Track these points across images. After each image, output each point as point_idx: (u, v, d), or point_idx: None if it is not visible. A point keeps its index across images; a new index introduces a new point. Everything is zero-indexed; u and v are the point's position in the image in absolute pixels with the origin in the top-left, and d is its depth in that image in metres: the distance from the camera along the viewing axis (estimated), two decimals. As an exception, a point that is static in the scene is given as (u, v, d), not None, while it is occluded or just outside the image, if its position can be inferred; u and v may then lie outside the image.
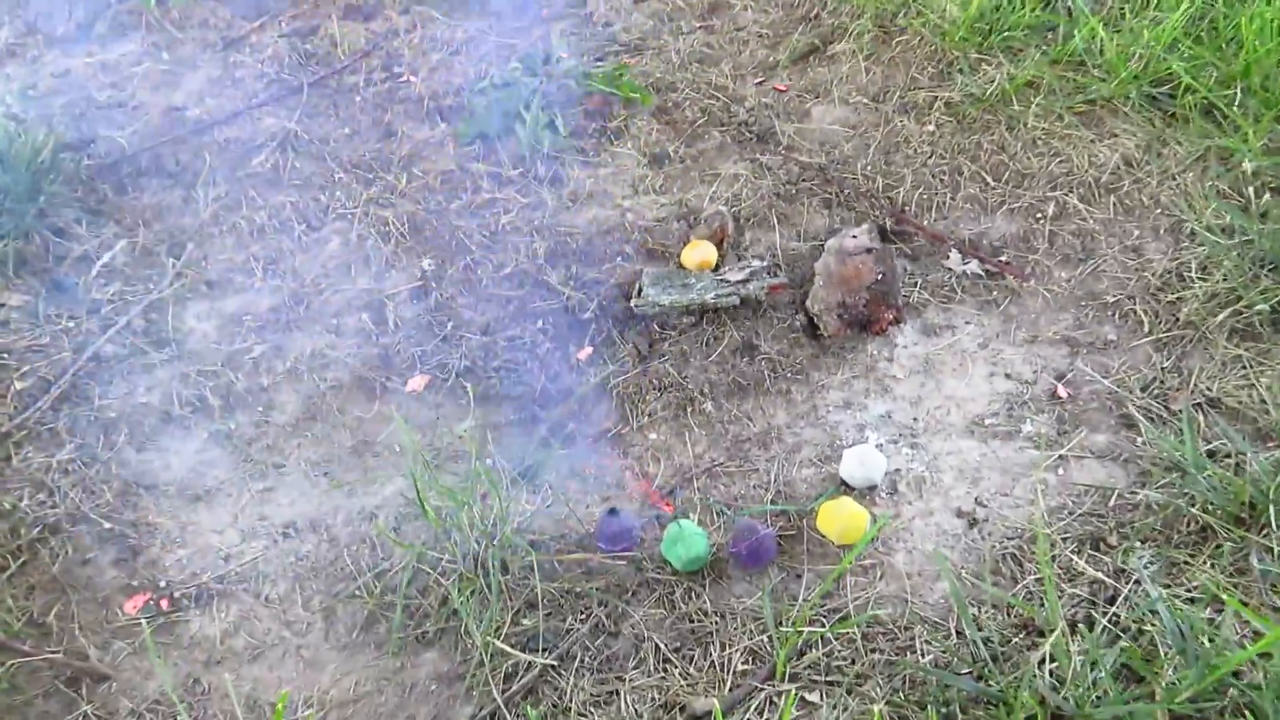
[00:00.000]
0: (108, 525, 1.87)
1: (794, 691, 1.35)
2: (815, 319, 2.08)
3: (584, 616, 1.64)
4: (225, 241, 2.46)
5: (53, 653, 1.66)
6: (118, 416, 2.07)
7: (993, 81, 2.52)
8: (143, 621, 1.70)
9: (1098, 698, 1.39)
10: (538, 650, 1.59)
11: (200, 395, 2.10)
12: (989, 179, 2.36)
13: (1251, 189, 2.12)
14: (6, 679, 1.62)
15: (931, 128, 2.50)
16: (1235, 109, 2.28)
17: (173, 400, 2.09)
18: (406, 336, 2.18)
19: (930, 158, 2.43)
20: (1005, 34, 2.59)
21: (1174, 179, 2.25)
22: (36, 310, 2.26)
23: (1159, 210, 2.21)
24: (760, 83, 2.78)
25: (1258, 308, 1.91)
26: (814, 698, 1.50)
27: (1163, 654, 1.44)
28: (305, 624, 1.71)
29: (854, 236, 2.18)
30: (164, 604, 1.74)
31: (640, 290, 2.15)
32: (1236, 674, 1.38)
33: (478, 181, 2.52)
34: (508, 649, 1.59)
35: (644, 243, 2.33)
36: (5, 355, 2.15)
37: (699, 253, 2.21)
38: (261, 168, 2.64)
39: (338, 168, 2.61)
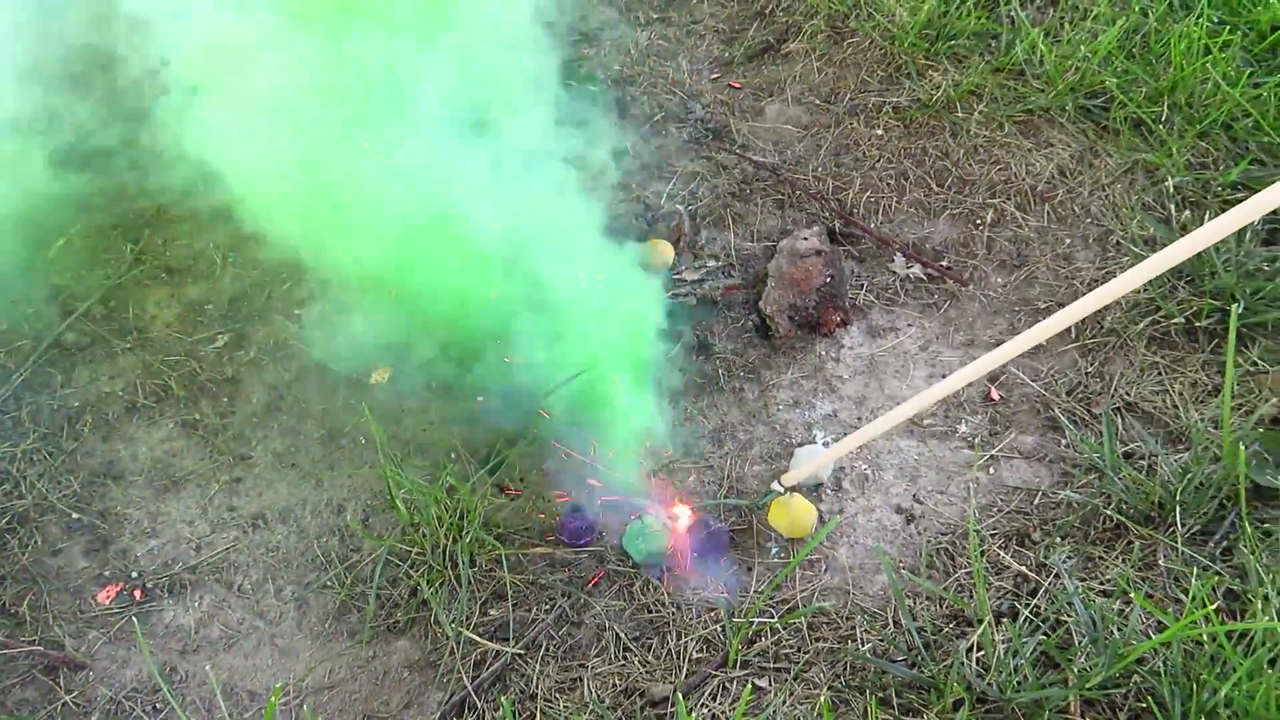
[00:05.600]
0: (76, 515, 1.90)
1: (750, 684, 1.47)
2: (768, 320, 2.18)
3: (549, 607, 1.74)
4: (183, 227, 2.47)
5: (29, 642, 1.70)
6: (81, 405, 2.09)
7: (939, 88, 2.62)
8: (120, 611, 1.76)
9: (1018, 683, 1.53)
10: (505, 639, 1.68)
11: (164, 385, 2.13)
12: (933, 184, 2.47)
13: (1173, 204, 2.27)
14: (-17, 669, 1.66)
15: (880, 131, 2.60)
16: (1161, 125, 2.42)
17: (137, 389, 2.12)
18: (369, 327, 2.22)
19: (878, 161, 2.54)
20: (951, 41, 2.69)
21: (1104, 190, 2.39)
22: (-8, 295, 2.25)
23: (1089, 220, 2.35)
24: (716, 78, 2.85)
25: (1174, 319, 2.06)
26: (763, 683, 1.62)
27: (1077, 643, 1.59)
28: (278, 613, 1.77)
29: (805, 239, 2.28)
30: (137, 594, 1.79)
31: (600, 287, 2.22)
32: (1140, 662, 1.53)
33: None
34: (477, 638, 1.68)
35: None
36: (-37, 342, 2.15)
37: (661, 251, 2.29)
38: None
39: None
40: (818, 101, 2.72)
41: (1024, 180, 2.45)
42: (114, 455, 2.01)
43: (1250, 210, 1.20)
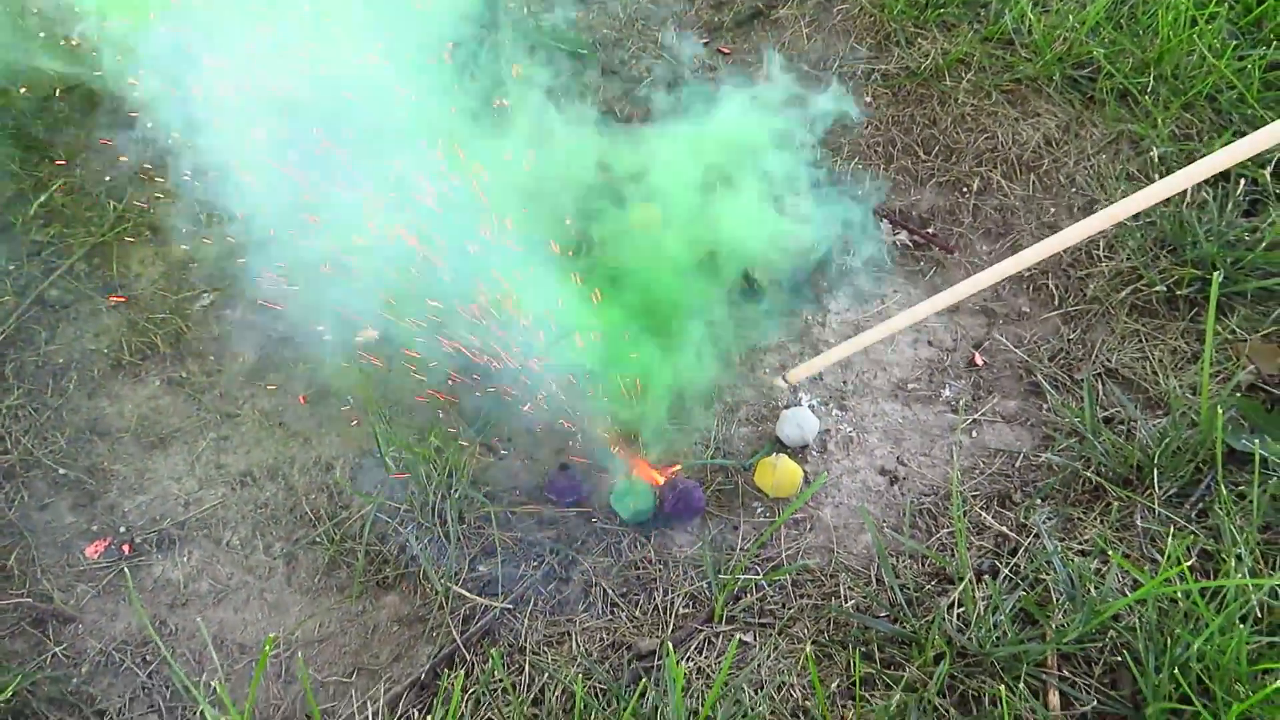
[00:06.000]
0: (63, 471, 1.90)
1: (736, 638, 1.50)
2: (754, 283, 2.19)
3: (537, 564, 1.76)
4: (167, 185, 2.44)
5: (17, 595, 1.70)
6: (66, 362, 2.08)
7: (927, 56, 2.63)
8: (108, 565, 1.76)
9: (998, 638, 1.57)
10: (495, 594, 1.70)
11: (150, 343, 2.12)
12: (920, 152, 2.49)
13: (1157, 174, 2.29)
14: (-29, 621, 1.66)
15: (869, 99, 2.61)
16: (1147, 96, 2.44)
17: (122, 347, 2.11)
18: (359, 287, 2.22)
19: (866, 128, 2.55)
20: (940, 9, 2.70)
21: (1089, 160, 2.42)
22: (-26, 251, 2.23)
23: (1074, 189, 2.37)
24: (705, 43, 2.84)
25: (1156, 287, 2.09)
26: (748, 638, 1.65)
27: (1055, 600, 1.63)
28: (267, 569, 1.78)
29: (793, 205, 2.29)
30: (126, 549, 1.79)
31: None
32: (1117, 619, 1.57)
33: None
34: (466, 593, 1.70)
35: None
36: (-55, 297, 2.13)
37: (646, 214, 2.29)
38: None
39: (286, 107, 2.59)
40: (807, 68, 2.72)
41: (1010, 149, 2.46)
42: (100, 412, 2.01)
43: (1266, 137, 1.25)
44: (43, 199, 2.36)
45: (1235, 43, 2.43)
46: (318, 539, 1.81)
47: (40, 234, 2.30)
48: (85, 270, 2.24)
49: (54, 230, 2.31)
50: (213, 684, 1.58)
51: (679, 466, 1.87)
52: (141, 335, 2.12)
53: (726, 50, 2.80)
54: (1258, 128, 2.30)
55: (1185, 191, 2.24)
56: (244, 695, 1.61)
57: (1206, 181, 2.27)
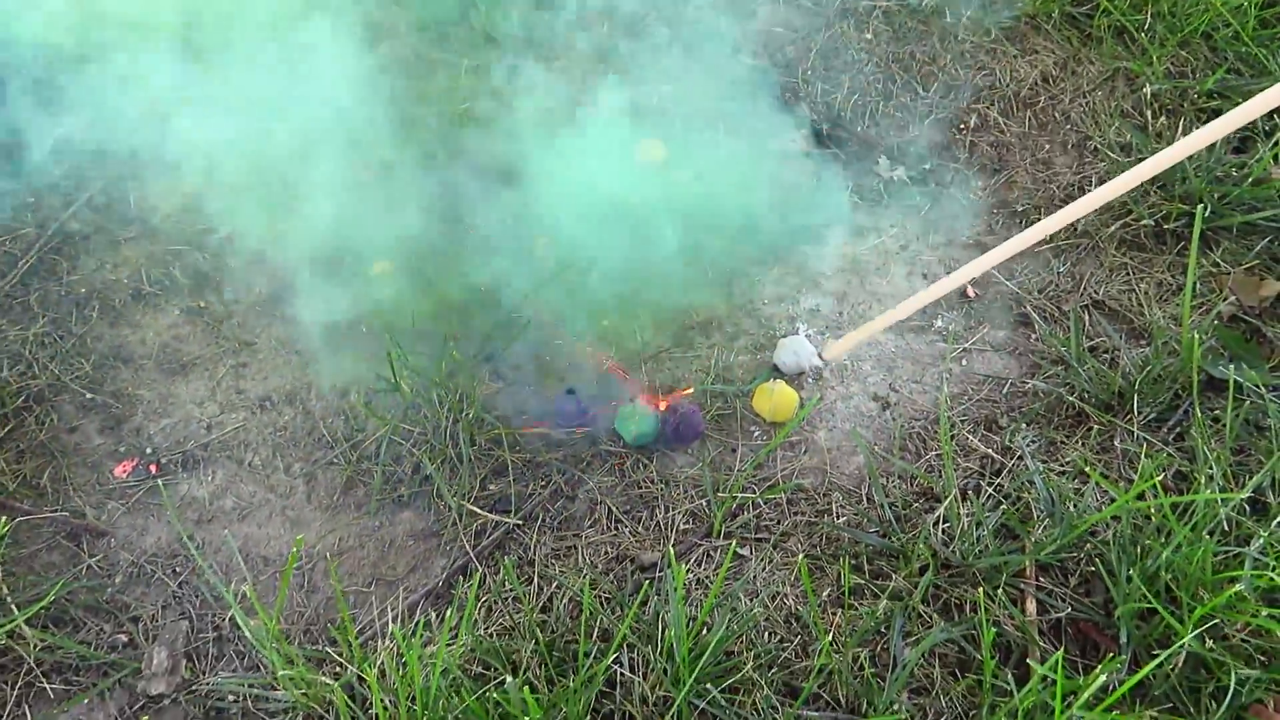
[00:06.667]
0: (89, 395, 1.98)
1: (733, 550, 1.59)
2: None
3: (545, 483, 1.85)
4: (180, 122, 2.48)
5: (52, 511, 1.80)
6: (88, 292, 2.15)
7: (929, -8, 2.66)
8: (137, 484, 1.85)
9: (980, 551, 1.66)
10: (506, 511, 1.80)
11: (169, 274, 2.18)
12: (919, 89, 2.52)
13: (1150, 111, 2.34)
14: (10, 535, 1.76)
15: (869, 35, 2.64)
16: (1144, 33, 2.47)
17: (142, 278, 2.17)
18: (370, 219, 2.28)
19: (867, 65, 2.58)
20: (943, -55, 2.71)
21: (1085, 97, 2.45)
22: (-7, 184, 2.29)
23: (1069, 126, 2.42)
24: (709, -18, 2.86)
25: (1144, 222, 2.15)
26: (745, 551, 1.75)
27: (1035, 516, 1.72)
28: (288, 487, 1.87)
29: (793, 141, 2.33)
30: (153, 468, 1.89)
31: (593, 185, 2.28)
32: (1093, 532, 1.66)
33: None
34: (478, 510, 1.79)
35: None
36: (-32, 229, 2.20)
37: (651, 150, 2.34)
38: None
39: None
40: (809, 4, 2.74)
41: (1008, 86, 2.50)
42: (122, 340, 2.08)
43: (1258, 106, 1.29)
44: (58, 133, 2.40)
45: (1233, -20, 2.45)
46: (335, 460, 1.90)
47: (57, 167, 2.35)
48: (103, 202, 2.30)
49: (70, 164, 2.37)
50: (243, 589, 1.69)
51: (689, 390, 1.95)
52: (160, 266, 2.19)
53: (729, -13, 2.82)
54: (1250, 64, 2.35)
55: (1177, 129, 2.29)
56: (270, 603, 1.71)
57: (1198, 119, 2.32)
